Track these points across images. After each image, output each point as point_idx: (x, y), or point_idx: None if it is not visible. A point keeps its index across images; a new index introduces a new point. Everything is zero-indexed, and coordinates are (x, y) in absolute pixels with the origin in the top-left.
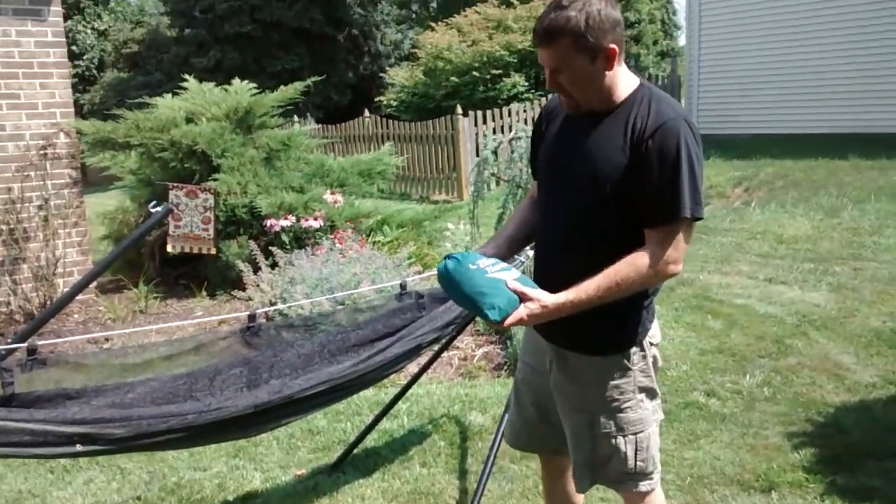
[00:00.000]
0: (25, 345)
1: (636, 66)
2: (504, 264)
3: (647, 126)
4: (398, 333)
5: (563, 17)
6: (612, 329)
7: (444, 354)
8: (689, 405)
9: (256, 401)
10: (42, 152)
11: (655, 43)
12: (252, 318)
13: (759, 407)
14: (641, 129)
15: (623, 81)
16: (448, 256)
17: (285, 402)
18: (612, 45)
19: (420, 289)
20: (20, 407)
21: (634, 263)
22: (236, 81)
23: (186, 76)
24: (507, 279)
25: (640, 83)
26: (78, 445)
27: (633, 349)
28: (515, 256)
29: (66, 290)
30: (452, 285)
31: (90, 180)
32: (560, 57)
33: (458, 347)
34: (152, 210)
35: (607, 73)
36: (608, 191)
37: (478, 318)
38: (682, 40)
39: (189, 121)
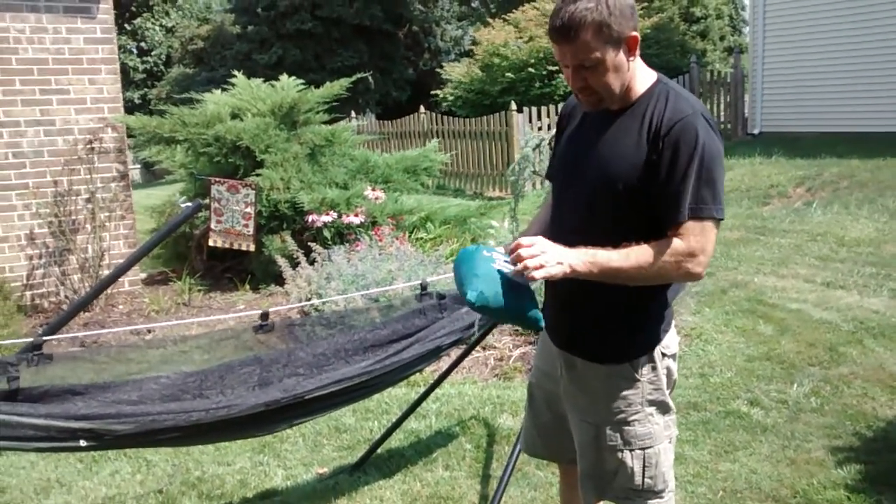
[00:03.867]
0: (31, 340)
1: (699, 62)
2: None
3: (664, 122)
4: (417, 335)
5: (582, 9)
6: (618, 336)
7: (480, 354)
8: (730, 414)
9: (267, 399)
10: (89, 146)
11: (722, 38)
12: (265, 316)
13: (805, 418)
14: (658, 126)
15: (640, 75)
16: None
17: (297, 402)
18: (634, 33)
19: (441, 289)
20: (26, 401)
21: (661, 249)
22: (284, 77)
23: (236, 73)
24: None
25: (657, 78)
26: (82, 441)
27: (642, 359)
28: None
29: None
30: (457, 267)
31: (156, 174)
32: (584, 51)
33: (495, 347)
34: (182, 206)
35: (630, 62)
36: (622, 190)
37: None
38: (749, 36)
39: (235, 116)
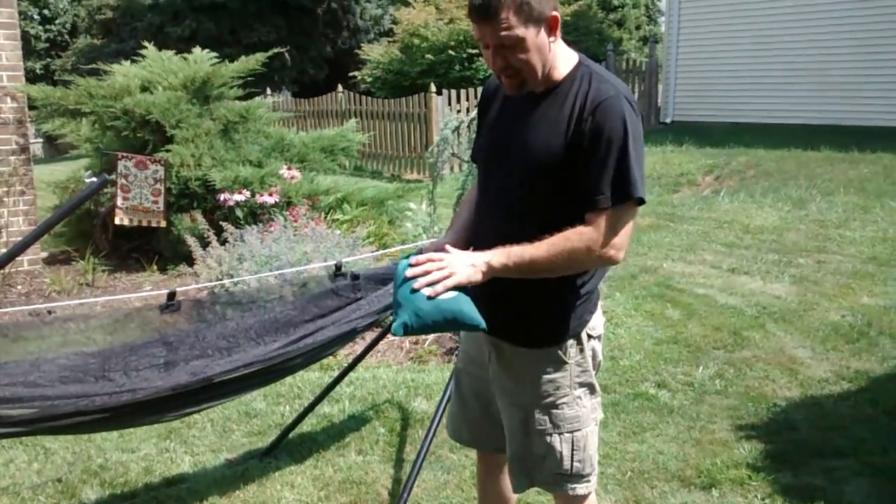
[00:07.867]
0: None
1: (615, 50)
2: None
3: (587, 104)
4: (332, 316)
5: None
6: (545, 320)
7: (395, 338)
8: (638, 396)
9: (174, 383)
10: None
11: (638, 28)
12: (171, 296)
13: (709, 400)
14: (581, 109)
15: (563, 57)
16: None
17: (206, 385)
18: (555, 13)
19: (357, 270)
20: None
21: (575, 239)
22: (196, 50)
23: (146, 44)
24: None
25: (579, 61)
26: None
27: (570, 342)
28: None
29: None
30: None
31: (59, 149)
32: (504, 30)
33: None
34: (87, 181)
35: (552, 43)
36: (547, 174)
37: None
38: (665, 27)
39: (145, 89)
